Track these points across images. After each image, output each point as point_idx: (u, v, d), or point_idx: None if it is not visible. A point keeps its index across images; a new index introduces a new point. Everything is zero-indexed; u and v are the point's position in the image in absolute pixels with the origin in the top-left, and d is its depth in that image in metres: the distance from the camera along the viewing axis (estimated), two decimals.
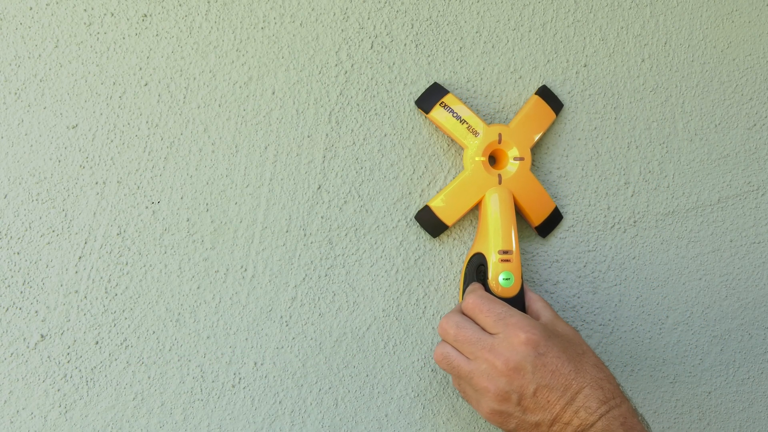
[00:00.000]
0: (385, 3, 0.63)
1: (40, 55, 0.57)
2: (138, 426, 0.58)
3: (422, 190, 0.64)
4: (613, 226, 0.69)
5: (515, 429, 0.54)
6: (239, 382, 0.60)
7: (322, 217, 0.62)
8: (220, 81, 0.60)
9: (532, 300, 0.60)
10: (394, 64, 0.64)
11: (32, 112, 0.57)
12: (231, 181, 0.60)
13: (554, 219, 0.65)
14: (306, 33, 0.62)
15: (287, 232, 0.61)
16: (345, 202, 0.63)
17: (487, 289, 0.59)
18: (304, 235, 0.62)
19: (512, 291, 0.59)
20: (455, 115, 0.61)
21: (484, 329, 0.55)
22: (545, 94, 0.65)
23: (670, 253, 0.70)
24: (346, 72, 0.63)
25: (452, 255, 0.65)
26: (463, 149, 0.63)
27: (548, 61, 0.67)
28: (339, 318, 0.62)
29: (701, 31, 0.71)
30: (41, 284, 0.57)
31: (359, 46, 0.63)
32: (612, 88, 0.69)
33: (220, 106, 0.60)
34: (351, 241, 0.63)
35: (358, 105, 0.63)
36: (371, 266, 0.63)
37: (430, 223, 0.62)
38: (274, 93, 0.61)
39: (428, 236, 0.64)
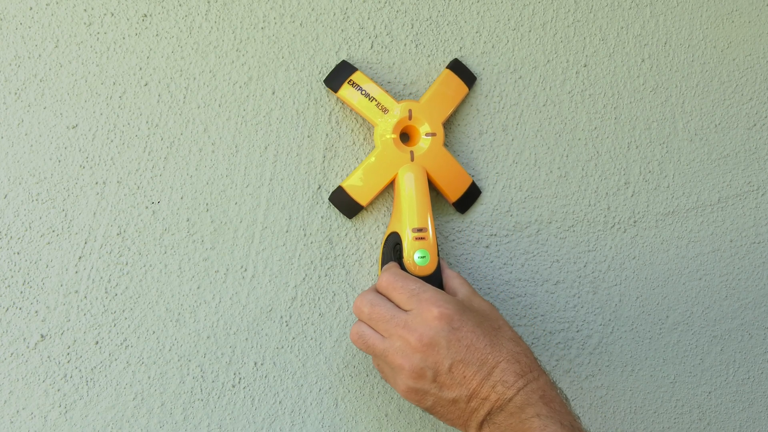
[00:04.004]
0: (385, 3, 0.63)
1: (40, 55, 0.57)
2: (138, 426, 0.58)
3: None
4: (613, 226, 0.69)
5: (432, 407, 0.53)
6: (239, 382, 0.60)
7: (322, 217, 0.62)
8: (220, 81, 0.60)
9: (450, 277, 0.59)
10: (394, 64, 0.64)
11: (32, 112, 0.57)
12: (231, 181, 0.60)
13: (472, 194, 0.64)
14: (306, 33, 0.62)
15: (287, 232, 0.61)
16: None
17: (403, 268, 0.58)
18: (304, 235, 0.62)
19: (428, 269, 0.58)
20: (364, 92, 0.60)
21: (398, 306, 0.54)
22: (457, 67, 0.64)
23: (670, 253, 0.70)
24: None
25: (451, 256, 0.65)
26: (373, 127, 0.62)
27: (548, 61, 0.67)
28: (339, 318, 0.62)
29: (701, 31, 0.71)
30: (41, 284, 0.57)
31: (359, 46, 0.63)
32: (612, 88, 0.69)
33: (220, 106, 0.60)
34: (351, 241, 0.63)
35: None
36: (371, 266, 0.63)
37: (345, 203, 0.61)
38: (274, 93, 0.61)
39: None
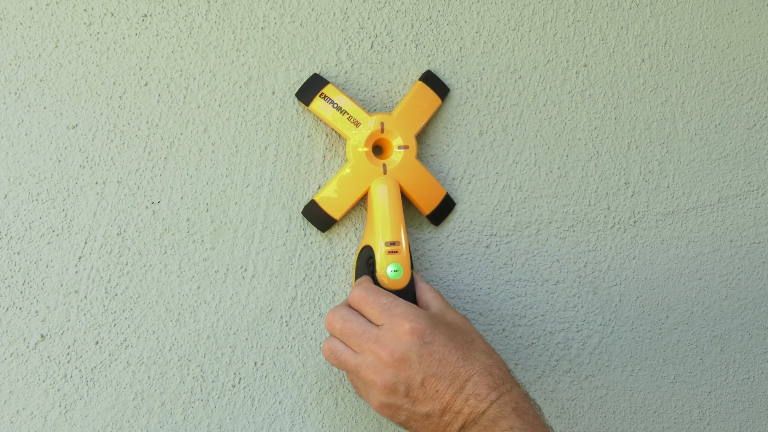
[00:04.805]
0: (385, 3, 0.63)
1: (40, 55, 0.57)
2: (138, 426, 0.58)
3: None
4: (613, 226, 0.69)
5: (406, 421, 0.52)
6: (239, 382, 0.60)
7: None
8: (220, 81, 0.60)
9: (423, 290, 0.59)
10: (394, 64, 0.64)
11: (32, 112, 0.57)
12: (231, 181, 0.60)
13: (446, 206, 0.64)
14: (306, 33, 0.62)
15: (287, 232, 0.61)
16: None
17: (376, 282, 0.58)
18: (304, 235, 0.62)
19: (401, 283, 0.58)
20: (336, 106, 0.60)
21: (370, 321, 0.54)
22: (429, 79, 0.63)
23: (670, 253, 0.70)
24: (346, 72, 0.63)
25: (451, 256, 0.65)
26: (345, 141, 0.61)
27: (548, 61, 0.67)
28: None
29: (701, 31, 0.71)
30: (41, 284, 0.57)
31: (359, 46, 0.63)
32: (612, 88, 0.69)
33: (220, 106, 0.60)
34: (351, 241, 0.63)
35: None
36: None
37: (318, 217, 0.61)
38: (274, 93, 0.61)
39: (428, 236, 0.64)
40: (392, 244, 0.58)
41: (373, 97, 0.63)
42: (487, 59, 0.66)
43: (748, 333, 0.73)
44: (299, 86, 0.61)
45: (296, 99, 0.61)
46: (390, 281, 0.58)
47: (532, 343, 0.67)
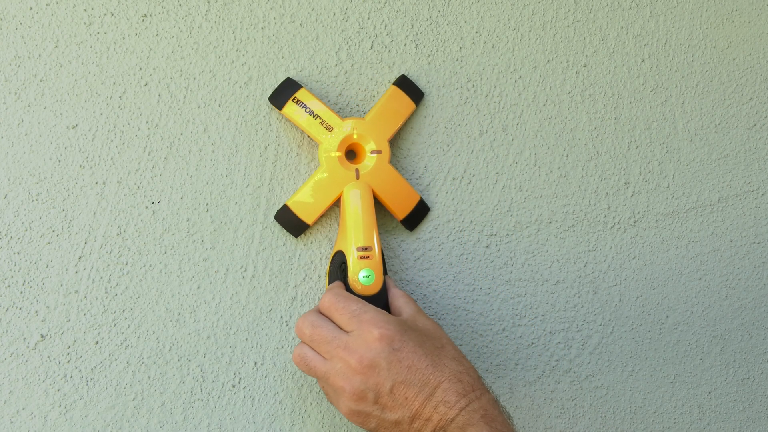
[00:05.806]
0: (385, 3, 0.63)
1: (40, 55, 0.57)
2: (138, 426, 0.58)
3: (422, 189, 0.64)
4: (613, 226, 0.69)
5: (376, 428, 0.52)
6: (239, 382, 0.60)
7: (322, 217, 0.62)
8: (220, 81, 0.60)
9: (395, 296, 0.58)
10: (394, 64, 0.64)
11: (32, 112, 0.57)
12: (231, 181, 0.60)
13: (420, 212, 0.63)
14: (306, 33, 0.62)
15: (287, 231, 0.61)
16: None
17: (348, 287, 0.58)
18: (304, 234, 0.62)
19: (373, 289, 0.58)
20: (308, 110, 0.59)
21: (340, 328, 0.53)
22: (404, 84, 0.63)
23: (670, 253, 0.71)
24: (346, 72, 0.63)
25: (451, 256, 0.65)
26: (318, 145, 0.61)
27: (548, 61, 0.67)
28: None
29: (701, 31, 0.71)
30: (41, 284, 0.57)
31: (359, 46, 0.63)
32: (612, 88, 0.69)
33: (220, 106, 0.60)
34: None
35: (357, 105, 0.63)
36: None
37: (290, 222, 0.60)
38: None
39: (428, 236, 0.64)
40: (364, 249, 0.57)
41: (373, 97, 0.63)
42: (487, 59, 0.66)
43: (748, 333, 0.73)
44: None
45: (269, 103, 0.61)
46: (362, 287, 0.57)
47: (532, 343, 0.67)
